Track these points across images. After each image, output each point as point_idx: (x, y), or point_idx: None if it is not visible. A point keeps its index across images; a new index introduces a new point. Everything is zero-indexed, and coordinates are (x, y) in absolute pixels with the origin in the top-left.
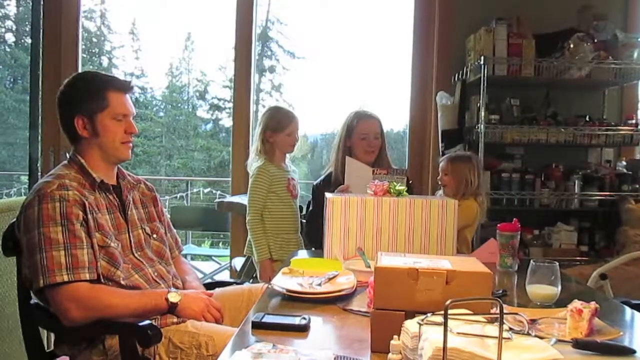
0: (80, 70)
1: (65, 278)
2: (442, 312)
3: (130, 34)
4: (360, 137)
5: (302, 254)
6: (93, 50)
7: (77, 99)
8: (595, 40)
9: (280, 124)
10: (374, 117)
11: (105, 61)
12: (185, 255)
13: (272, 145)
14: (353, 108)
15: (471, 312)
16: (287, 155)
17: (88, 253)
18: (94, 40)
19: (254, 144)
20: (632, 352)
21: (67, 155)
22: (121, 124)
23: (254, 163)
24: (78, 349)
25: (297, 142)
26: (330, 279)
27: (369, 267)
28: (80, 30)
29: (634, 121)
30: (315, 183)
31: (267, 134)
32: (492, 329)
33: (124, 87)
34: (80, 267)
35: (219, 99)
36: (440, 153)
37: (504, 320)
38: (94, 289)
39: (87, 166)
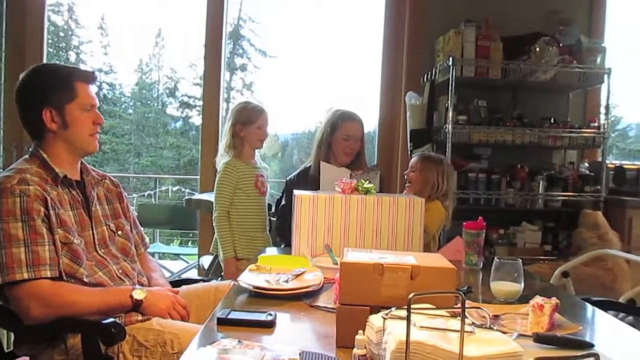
0: (45, 63)
1: (26, 275)
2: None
3: (99, 29)
4: (343, 137)
5: (271, 251)
6: (60, 45)
7: (44, 90)
8: (561, 45)
9: (250, 117)
10: (359, 120)
11: (72, 56)
12: (153, 254)
13: (241, 139)
14: (324, 108)
15: (435, 307)
16: (257, 151)
17: (49, 250)
18: (61, 34)
19: (223, 140)
20: (590, 345)
21: (29, 149)
22: (89, 115)
23: (221, 159)
24: (39, 348)
25: (266, 138)
26: (297, 275)
27: (337, 263)
28: (46, 23)
29: (596, 124)
30: (289, 177)
31: (237, 128)
32: (455, 323)
33: (90, 77)
34: (41, 264)
35: (189, 97)
36: (409, 152)
37: (467, 315)
38: (56, 286)
39: (50, 161)
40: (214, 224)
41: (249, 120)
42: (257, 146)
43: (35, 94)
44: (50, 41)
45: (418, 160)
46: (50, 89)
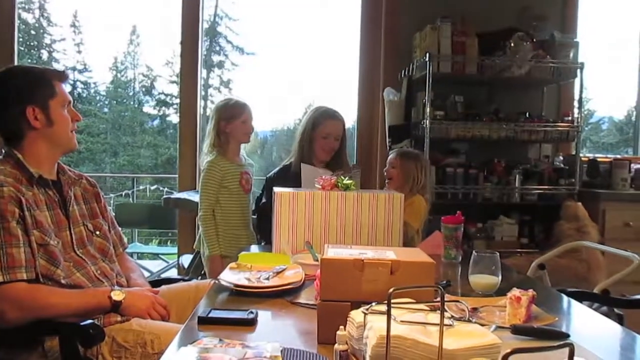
0: (16, 64)
1: (0, 278)
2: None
3: (72, 27)
4: (323, 135)
5: (251, 248)
6: (31, 43)
7: (26, 89)
8: (535, 40)
9: (234, 112)
10: (340, 119)
11: (44, 54)
12: (131, 254)
13: (227, 136)
14: (303, 104)
15: (415, 301)
16: (242, 148)
17: (25, 252)
18: (32, 32)
19: (208, 139)
20: (566, 336)
21: (3, 150)
22: (68, 111)
23: (205, 158)
24: (16, 352)
25: (252, 131)
26: (278, 273)
27: (317, 260)
28: (17, 21)
29: (570, 118)
30: (269, 175)
31: (222, 125)
32: (435, 317)
33: (63, 75)
34: (16, 266)
35: (166, 95)
36: (388, 148)
37: (447, 308)
38: (32, 288)
39: (25, 161)
40: (199, 222)
41: (233, 115)
42: (244, 140)
43: (15, 93)
44: (21, 39)
45: (397, 156)
46: (31, 87)
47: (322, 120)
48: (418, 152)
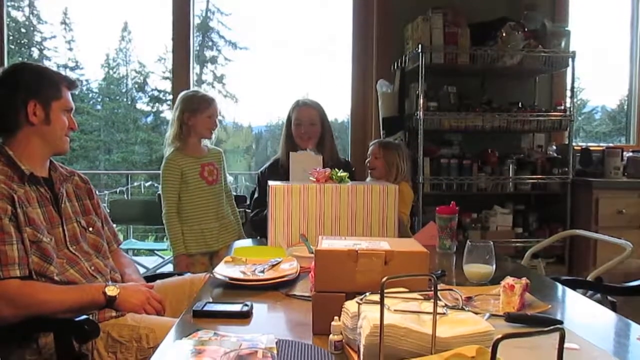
0: (6, 62)
1: None
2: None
3: (62, 24)
4: (296, 123)
5: (246, 242)
6: (22, 41)
7: (34, 83)
8: (526, 30)
9: (199, 105)
10: (311, 105)
11: (35, 52)
12: (127, 250)
13: (189, 128)
14: (297, 98)
15: (409, 290)
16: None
17: (18, 249)
18: (23, 30)
19: (171, 129)
20: (559, 323)
21: None
22: (67, 117)
23: (167, 150)
24: (10, 349)
25: (216, 128)
26: (273, 265)
27: (312, 253)
28: (6, 19)
29: (562, 107)
30: (260, 170)
31: (185, 116)
32: (428, 306)
33: (73, 84)
34: (9, 263)
35: (159, 91)
36: None
37: (441, 297)
38: (25, 285)
39: (16, 158)
40: (163, 222)
41: (199, 108)
42: (206, 136)
43: (23, 85)
44: (11, 37)
45: (379, 147)
46: (40, 84)
47: (293, 109)
48: (397, 142)
